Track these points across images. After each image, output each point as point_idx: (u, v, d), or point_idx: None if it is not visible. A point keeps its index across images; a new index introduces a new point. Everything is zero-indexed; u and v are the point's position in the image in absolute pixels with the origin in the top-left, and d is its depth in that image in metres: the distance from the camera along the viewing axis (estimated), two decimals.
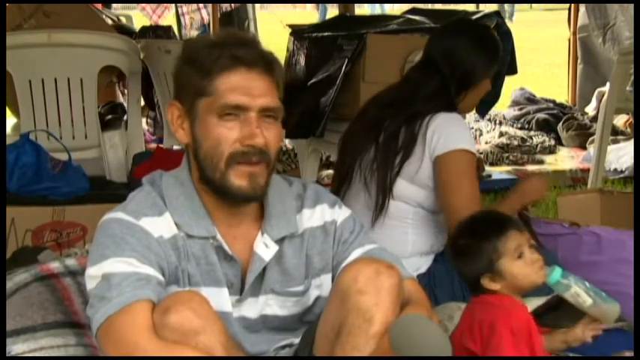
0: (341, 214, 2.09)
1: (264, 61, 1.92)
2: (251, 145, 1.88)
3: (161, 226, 1.90)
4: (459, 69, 2.71)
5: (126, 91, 5.88)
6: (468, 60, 2.72)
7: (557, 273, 2.05)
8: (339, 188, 2.82)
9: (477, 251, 2.10)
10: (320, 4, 17.32)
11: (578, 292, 2.01)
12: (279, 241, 2.00)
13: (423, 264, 2.72)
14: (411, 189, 2.70)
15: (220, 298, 1.93)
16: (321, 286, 2.04)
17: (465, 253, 2.14)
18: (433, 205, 2.71)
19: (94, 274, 1.84)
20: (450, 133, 2.64)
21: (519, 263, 2.08)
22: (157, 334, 1.72)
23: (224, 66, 1.89)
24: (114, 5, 9.78)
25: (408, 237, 2.72)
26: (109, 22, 6.74)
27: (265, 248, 1.97)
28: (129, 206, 1.93)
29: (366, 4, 18.05)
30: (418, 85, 2.74)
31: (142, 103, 5.55)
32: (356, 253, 2.04)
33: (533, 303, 2.51)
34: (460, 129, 2.68)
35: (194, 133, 1.93)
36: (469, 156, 2.65)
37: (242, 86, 1.88)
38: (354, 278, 1.83)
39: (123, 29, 6.40)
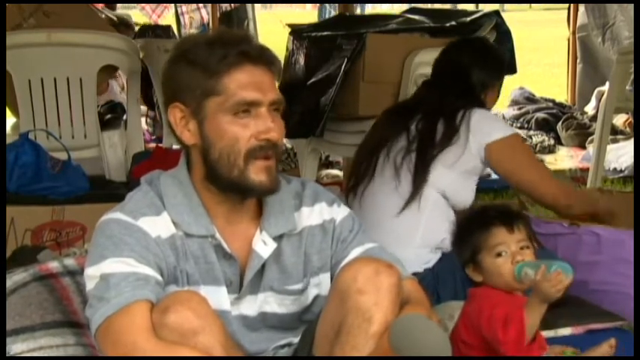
0: (340, 212, 2.09)
1: (266, 56, 1.94)
2: (268, 139, 1.89)
3: (159, 226, 1.90)
4: (470, 80, 2.94)
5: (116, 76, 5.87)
6: (477, 71, 2.96)
7: (517, 268, 2.07)
8: (357, 185, 2.90)
9: (463, 240, 2.15)
10: (321, 5, 17.29)
11: (526, 271, 2.04)
12: (278, 239, 1.99)
13: (432, 258, 2.74)
14: (445, 173, 2.78)
15: (219, 297, 1.93)
16: (320, 284, 2.04)
17: (456, 239, 2.25)
18: (454, 194, 2.80)
19: (92, 274, 1.84)
20: (496, 123, 2.92)
21: (496, 261, 2.10)
22: (155, 335, 1.72)
23: (231, 64, 1.89)
24: None
25: (419, 226, 2.75)
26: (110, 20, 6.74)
27: (264, 245, 1.97)
28: (127, 206, 1.92)
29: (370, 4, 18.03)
30: (439, 91, 2.93)
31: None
32: (355, 252, 2.04)
33: None
34: (498, 120, 3.02)
35: (203, 134, 1.92)
36: (514, 137, 2.91)
37: (252, 82, 1.90)
38: (353, 278, 1.83)
39: (124, 24, 6.36)
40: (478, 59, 2.98)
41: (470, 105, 2.84)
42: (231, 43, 1.91)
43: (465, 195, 2.83)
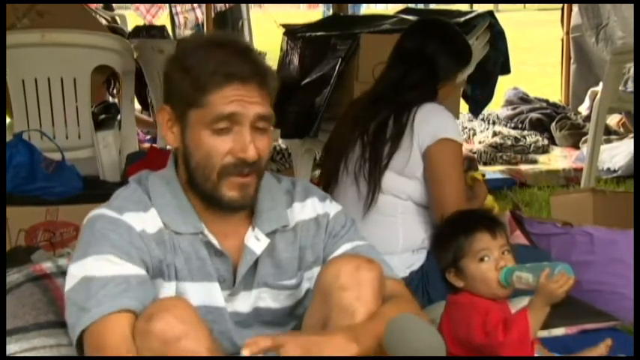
0: (332, 207, 2.10)
1: (258, 75, 1.90)
2: (243, 158, 1.87)
3: (145, 221, 1.91)
4: (431, 65, 2.81)
5: (115, 92, 5.88)
6: (440, 58, 2.82)
7: (503, 272, 2.07)
8: (326, 188, 2.84)
9: (445, 245, 2.14)
10: (324, 6, 17.33)
11: (520, 275, 2.04)
12: (271, 235, 2.00)
13: (416, 261, 2.72)
14: (400, 181, 2.73)
15: (212, 293, 1.94)
16: (313, 278, 2.05)
17: (436, 244, 2.20)
18: (422, 197, 2.75)
19: (74, 273, 1.84)
20: (437, 122, 2.71)
21: (480, 266, 2.09)
22: (138, 343, 1.72)
23: (219, 82, 1.86)
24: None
25: (398, 233, 2.74)
26: (103, 22, 6.74)
27: (256, 241, 1.98)
28: (113, 203, 1.94)
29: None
30: (398, 78, 2.82)
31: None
32: (344, 248, 2.05)
33: (524, 302, 2.52)
34: (445, 118, 2.75)
35: (184, 140, 1.92)
36: (456, 145, 2.72)
37: (236, 96, 1.86)
38: (335, 275, 1.85)
39: (114, 31, 6.37)
40: (444, 44, 2.86)
41: (422, 97, 2.74)
42: (226, 58, 1.88)
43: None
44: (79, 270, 1.83)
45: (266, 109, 1.90)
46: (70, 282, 1.85)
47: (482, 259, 2.10)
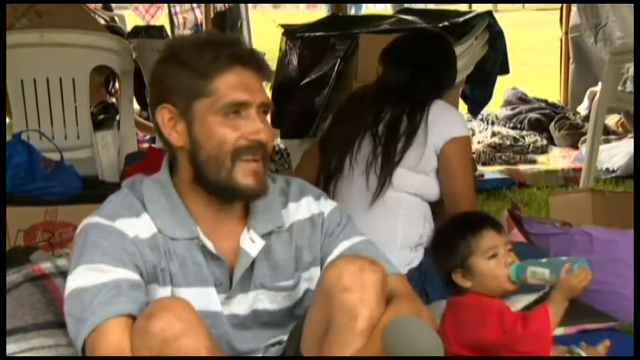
0: (327, 206, 2.10)
1: (255, 59, 1.95)
2: (257, 140, 1.90)
3: (138, 227, 1.91)
4: (437, 77, 2.96)
5: (113, 91, 5.87)
6: (444, 75, 3.00)
7: (514, 268, 2.08)
8: (327, 184, 2.86)
9: (451, 245, 2.14)
10: (325, 7, 17.30)
11: (535, 270, 2.05)
12: (266, 236, 2.00)
13: (414, 258, 2.74)
14: (410, 176, 2.78)
15: (209, 298, 1.94)
16: (311, 279, 2.05)
17: (441, 245, 2.21)
18: (429, 192, 2.82)
19: (69, 284, 1.86)
20: (449, 120, 2.83)
21: (490, 263, 2.10)
22: (129, 352, 1.73)
23: (222, 66, 1.90)
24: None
25: (397, 229, 2.75)
26: (102, 22, 6.73)
27: (251, 243, 1.98)
28: (105, 209, 1.94)
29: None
30: (405, 81, 2.90)
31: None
32: (343, 246, 2.05)
33: (524, 299, 2.53)
34: (456, 116, 2.95)
35: (192, 135, 1.92)
36: (467, 141, 2.91)
37: (242, 84, 1.91)
38: (338, 276, 1.83)
39: (114, 30, 6.37)
40: (450, 64, 3.02)
41: (434, 95, 2.87)
42: (222, 45, 1.92)
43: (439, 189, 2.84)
44: (72, 281, 1.85)
45: (267, 96, 1.97)
46: (66, 294, 1.86)
47: (492, 257, 2.11)
